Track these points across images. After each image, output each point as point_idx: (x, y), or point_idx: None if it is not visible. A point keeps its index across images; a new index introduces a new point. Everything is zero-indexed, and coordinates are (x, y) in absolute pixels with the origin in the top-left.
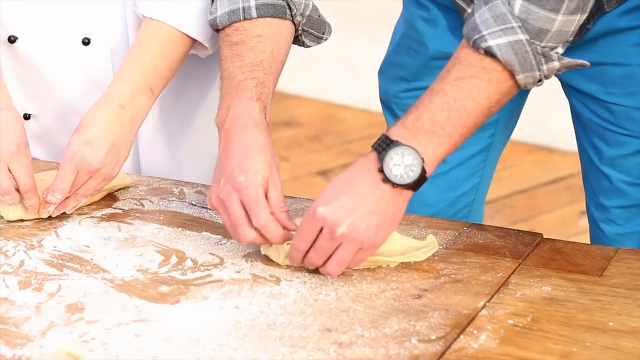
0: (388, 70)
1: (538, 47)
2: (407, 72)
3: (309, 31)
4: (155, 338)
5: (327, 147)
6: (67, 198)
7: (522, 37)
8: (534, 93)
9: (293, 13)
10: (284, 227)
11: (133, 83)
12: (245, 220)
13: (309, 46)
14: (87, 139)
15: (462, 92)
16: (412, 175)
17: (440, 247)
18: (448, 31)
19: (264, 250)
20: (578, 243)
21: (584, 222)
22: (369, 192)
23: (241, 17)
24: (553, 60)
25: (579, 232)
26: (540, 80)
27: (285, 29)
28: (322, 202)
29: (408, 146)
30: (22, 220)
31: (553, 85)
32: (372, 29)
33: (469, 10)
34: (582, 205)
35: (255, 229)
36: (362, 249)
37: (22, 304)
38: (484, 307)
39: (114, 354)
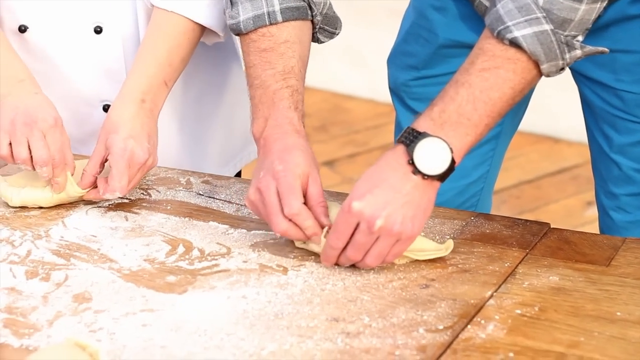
0: (397, 59)
1: (562, 36)
2: (417, 61)
3: (324, 28)
4: (162, 328)
5: (333, 138)
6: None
7: (547, 27)
8: (541, 83)
9: (314, 13)
10: (318, 222)
11: (149, 78)
12: (280, 209)
13: (323, 42)
14: (128, 134)
15: (487, 82)
16: (442, 166)
17: (447, 237)
18: (459, 19)
19: None
20: (585, 233)
21: (590, 213)
22: (401, 184)
23: (267, 22)
24: (575, 49)
25: (585, 222)
26: (562, 69)
27: (307, 29)
28: (356, 197)
29: (437, 137)
30: (25, 208)
31: (560, 75)
32: (378, 19)
33: None
34: (588, 196)
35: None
36: (400, 241)
37: (29, 293)
38: (491, 296)
39: (122, 344)
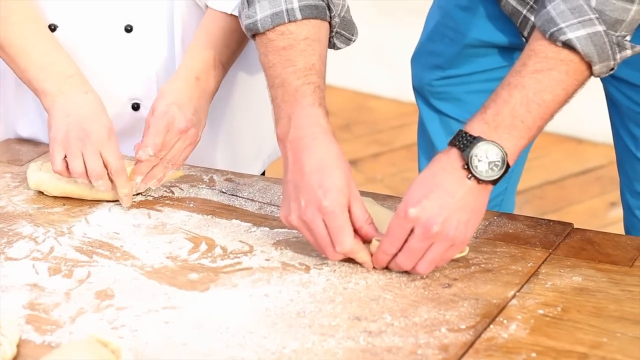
0: (422, 58)
1: (613, 37)
2: (442, 60)
3: (341, 32)
4: (184, 325)
5: (357, 137)
6: (154, 166)
7: (600, 28)
8: None
9: (332, 14)
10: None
11: (206, 58)
12: (331, 243)
13: (339, 48)
14: (172, 101)
15: (540, 84)
16: (497, 171)
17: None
18: (485, 19)
19: None
20: (609, 233)
21: (614, 214)
22: (456, 189)
23: (286, 20)
24: (626, 49)
25: (609, 223)
26: (612, 69)
27: (325, 30)
28: (412, 203)
29: (491, 142)
30: (49, 205)
31: None
32: (402, 18)
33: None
34: (612, 197)
35: None
36: (454, 246)
37: (51, 290)
38: (514, 296)
39: (143, 341)
